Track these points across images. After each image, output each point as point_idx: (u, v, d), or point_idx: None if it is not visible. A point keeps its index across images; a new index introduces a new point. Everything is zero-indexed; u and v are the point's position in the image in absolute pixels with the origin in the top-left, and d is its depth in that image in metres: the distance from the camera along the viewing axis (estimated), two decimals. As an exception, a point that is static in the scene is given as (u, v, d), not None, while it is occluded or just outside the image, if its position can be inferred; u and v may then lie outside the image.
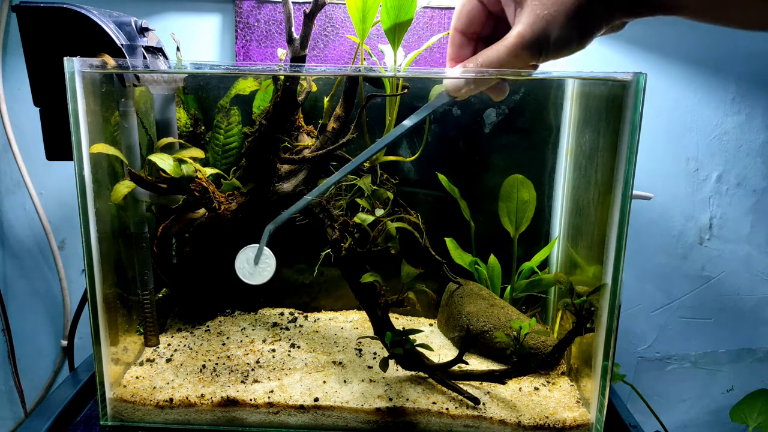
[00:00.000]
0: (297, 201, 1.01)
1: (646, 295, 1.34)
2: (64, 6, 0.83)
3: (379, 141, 0.79)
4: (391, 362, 0.93)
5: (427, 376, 0.95)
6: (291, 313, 1.21)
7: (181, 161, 0.91)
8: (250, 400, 0.89)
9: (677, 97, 1.22)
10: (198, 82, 1.11)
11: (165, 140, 0.97)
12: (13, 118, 1.22)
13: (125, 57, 0.84)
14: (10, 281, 1.35)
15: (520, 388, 0.96)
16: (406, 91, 0.98)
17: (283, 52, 1.03)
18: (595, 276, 0.90)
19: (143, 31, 0.92)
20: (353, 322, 1.19)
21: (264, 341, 1.08)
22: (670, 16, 0.58)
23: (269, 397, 0.90)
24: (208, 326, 1.14)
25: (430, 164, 1.15)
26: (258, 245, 0.87)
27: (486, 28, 0.66)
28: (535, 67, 0.67)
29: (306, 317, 1.20)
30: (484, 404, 0.90)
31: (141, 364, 0.99)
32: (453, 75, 0.68)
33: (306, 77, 1.03)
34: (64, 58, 0.76)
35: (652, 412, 1.26)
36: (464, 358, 0.90)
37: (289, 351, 1.04)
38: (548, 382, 0.99)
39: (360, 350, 1.06)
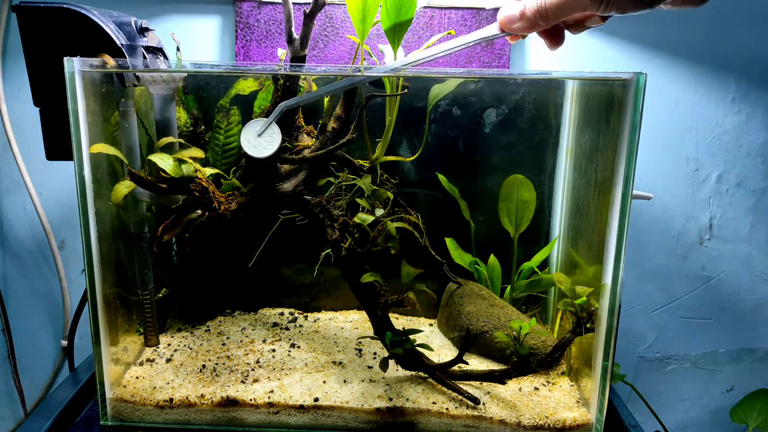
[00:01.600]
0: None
1: (646, 295, 1.34)
2: (64, 6, 0.83)
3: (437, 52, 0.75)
4: (391, 362, 0.93)
5: (427, 376, 0.95)
6: (291, 313, 1.21)
7: (181, 161, 0.91)
8: (250, 400, 0.89)
9: (677, 96, 1.22)
10: (198, 82, 1.11)
11: (165, 140, 0.97)
12: (13, 118, 1.22)
13: (125, 57, 0.84)
14: (10, 281, 1.35)
15: (520, 388, 0.96)
16: (406, 91, 0.98)
17: (283, 52, 1.03)
18: (595, 276, 0.90)
19: (143, 31, 0.92)
20: (353, 322, 1.19)
21: (264, 341, 1.08)
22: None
23: (269, 397, 0.90)
24: (208, 326, 1.14)
25: (430, 164, 1.15)
26: (265, 119, 0.85)
27: None
28: (603, 19, 0.63)
29: (306, 317, 1.20)
30: (484, 404, 0.90)
31: (141, 364, 0.99)
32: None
33: (306, 77, 1.03)
34: (64, 58, 0.76)
35: (652, 412, 1.26)
36: (464, 358, 0.90)
37: (289, 351, 1.04)
38: (548, 382, 0.99)
39: (360, 350, 1.06)
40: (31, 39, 0.84)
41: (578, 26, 0.66)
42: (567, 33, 0.68)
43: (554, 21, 0.61)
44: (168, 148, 0.98)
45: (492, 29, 0.67)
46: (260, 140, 0.84)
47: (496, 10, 1.14)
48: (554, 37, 0.66)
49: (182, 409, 0.89)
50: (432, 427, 0.89)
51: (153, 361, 1.00)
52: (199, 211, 1.01)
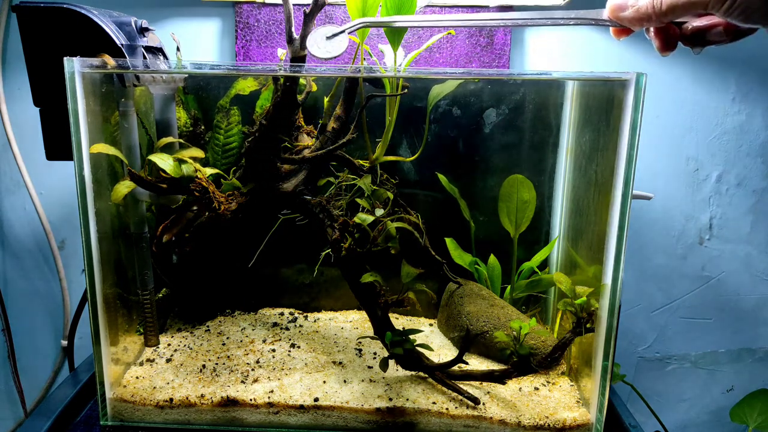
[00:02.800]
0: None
1: (646, 295, 1.34)
2: (64, 6, 0.83)
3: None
4: (391, 362, 0.93)
5: (427, 376, 0.95)
6: (291, 313, 1.21)
7: (181, 161, 0.91)
8: (250, 400, 0.89)
9: (677, 96, 1.22)
10: (198, 82, 1.11)
11: (165, 140, 0.97)
12: (13, 118, 1.22)
13: (125, 57, 0.84)
14: (10, 281, 1.35)
15: (520, 388, 0.96)
16: (406, 91, 0.98)
17: (283, 52, 1.03)
18: (595, 276, 0.90)
19: (143, 31, 0.92)
20: (353, 322, 1.19)
21: (264, 341, 1.08)
22: None
23: (269, 397, 0.90)
24: (208, 326, 1.14)
25: (430, 164, 1.15)
26: (337, 26, 0.84)
27: None
28: (729, 34, 0.56)
29: (306, 317, 1.20)
30: (484, 404, 0.90)
31: (141, 364, 0.99)
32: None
33: (306, 77, 1.03)
34: (64, 58, 0.76)
35: (652, 412, 1.26)
36: (464, 358, 0.90)
37: (289, 351, 1.04)
38: (548, 382, 0.99)
39: (360, 350, 1.06)
40: (31, 39, 0.84)
41: (698, 37, 0.59)
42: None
43: (668, 17, 0.55)
44: (168, 148, 0.98)
45: (597, 13, 0.61)
46: (327, 43, 0.83)
47: (499, 8, 1.14)
48: (665, 41, 0.59)
49: (182, 409, 0.89)
50: (432, 427, 0.89)
51: (153, 361, 1.00)
52: (195, 208, 1.01)
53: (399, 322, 1.21)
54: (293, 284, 1.23)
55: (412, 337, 0.93)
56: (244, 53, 1.16)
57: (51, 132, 0.87)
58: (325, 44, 0.82)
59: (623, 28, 0.60)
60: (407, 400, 0.90)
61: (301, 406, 0.89)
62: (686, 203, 1.28)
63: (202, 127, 1.11)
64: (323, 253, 1.02)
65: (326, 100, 1.04)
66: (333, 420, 0.89)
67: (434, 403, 0.90)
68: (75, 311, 1.18)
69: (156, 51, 0.95)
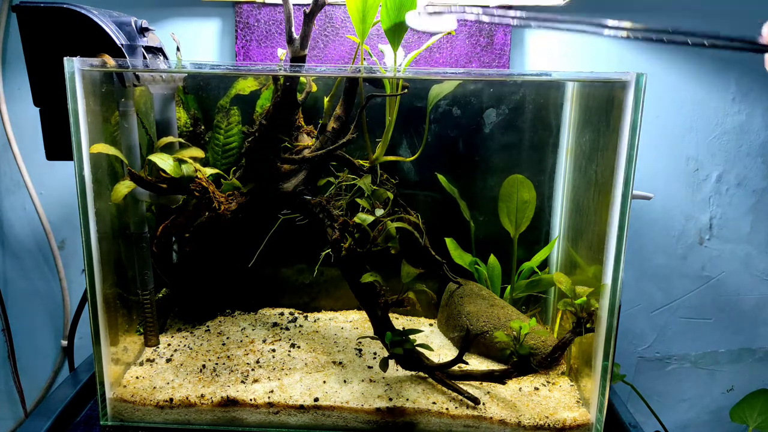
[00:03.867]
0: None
1: (646, 295, 1.34)
2: (64, 6, 0.83)
3: None
4: (391, 362, 0.93)
5: (427, 376, 0.95)
6: (291, 313, 1.21)
7: (181, 161, 0.91)
8: (250, 400, 0.89)
9: (677, 96, 1.22)
10: (198, 82, 1.11)
11: (165, 140, 0.97)
12: (13, 118, 1.22)
13: (125, 57, 0.84)
14: (10, 281, 1.35)
15: (520, 388, 0.96)
16: (406, 91, 0.98)
17: (283, 52, 1.03)
18: (595, 276, 0.90)
19: (143, 31, 0.92)
20: (353, 322, 1.19)
21: (264, 341, 1.08)
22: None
23: (269, 397, 0.90)
24: (208, 326, 1.14)
25: (430, 164, 1.15)
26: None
27: None
28: None
29: (306, 317, 1.20)
30: (484, 404, 0.90)
31: (141, 364, 0.99)
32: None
33: (306, 77, 1.03)
34: (64, 58, 0.76)
35: (652, 412, 1.26)
36: (464, 358, 0.90)
37: (289, 351, 1.04)
38: (548, 382, 0.99)
39: (360, 350, 1.06)
40: (31, 39, 0.84)
41: None
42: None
43: None
44: (168, 148, 0.98)
45: (755, 39, 0.61)
46: (428, 17, 0.79)
47: (499, 8, 1.14)
48: None
49: (182, 409, 0.89)
50: (432, 427, 0.89)
51: (153, 361, 1.00)
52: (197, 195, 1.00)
53: (399, 322, 1.21)
54: (293, 284, 1.23)
55: (412, 337, 0.93)
56: (244, 53, 1.16)
57: (51, 132, 0.87)
58: (426, 17, 0.78)
59: None
60: (407, 400, 0.90)
61: (301, 406, 0.89)
62: (686, 203, 1.28)
63: (202, 127, 1.11)
64: (323, 253, 1.02)
65: (326, 100, 1.04)
66: (333, 420, 0.89)
67: (434, 403, 0.90)
68: (75, 311, 1.18)
69: (156, 51, 0.95)
